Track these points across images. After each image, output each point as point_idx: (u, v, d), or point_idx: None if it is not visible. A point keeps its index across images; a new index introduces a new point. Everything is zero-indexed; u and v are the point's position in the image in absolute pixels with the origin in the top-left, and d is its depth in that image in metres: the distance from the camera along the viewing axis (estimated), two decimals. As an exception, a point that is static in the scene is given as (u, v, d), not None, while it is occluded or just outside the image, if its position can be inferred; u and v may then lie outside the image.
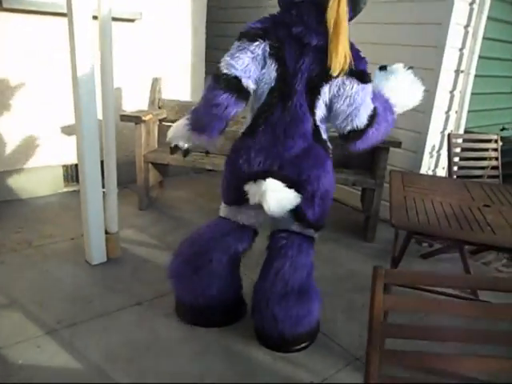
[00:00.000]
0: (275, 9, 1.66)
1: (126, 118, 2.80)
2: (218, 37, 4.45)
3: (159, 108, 3.06)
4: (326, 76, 1.54)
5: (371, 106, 1.60)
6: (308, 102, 1.59)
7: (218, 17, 4.41)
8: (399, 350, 1.00)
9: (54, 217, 2.84)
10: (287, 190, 1.56)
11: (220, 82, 1.52)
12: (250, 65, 1.53)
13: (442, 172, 3.15)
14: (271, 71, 1.57)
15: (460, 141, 2.68)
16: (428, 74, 2.77)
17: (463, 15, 2.72)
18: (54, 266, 2.27)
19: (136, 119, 2.78)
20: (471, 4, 2.73)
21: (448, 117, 2.97)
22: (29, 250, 2.41)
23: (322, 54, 1.53)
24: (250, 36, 1.54)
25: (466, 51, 2.84)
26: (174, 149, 1.87)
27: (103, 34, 2.07)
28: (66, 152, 3.18)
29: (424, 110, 2.84)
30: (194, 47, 3.62)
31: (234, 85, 1.51)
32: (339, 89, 1.55)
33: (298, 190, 1.58)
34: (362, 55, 1.63)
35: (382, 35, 2.98)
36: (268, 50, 1.55)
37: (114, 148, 2.26)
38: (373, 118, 1.60)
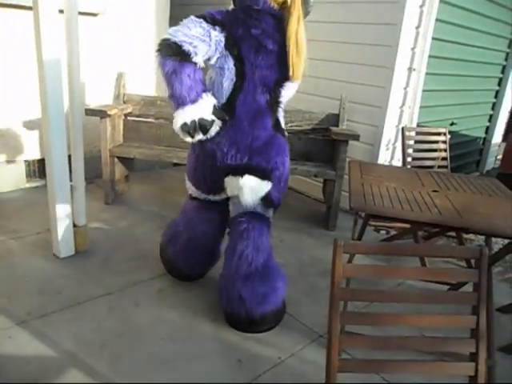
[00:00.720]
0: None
1: (90, 112, 2.80)
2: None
3: (124, 103, 3.08)
4: (284, 78, 1.74)
5: None
6: (268, 97, 1.75)
7: (182, 13, 4.45)
8: (357, 312, 1.12)
9: (17, 212, 2.80)
10: (261, 181, 1.72)
11: (161, 50, 1.63)
12: (196, 39, 1.60)
13: (397, 163, 3.34)
14: (230, 66, 1.68)
15: (413, 134, 2.87)
16: (383, 72, 2.96)
17: (415, 17, 2.91)
18: (21, 261, 2.26)
19: (101, 113, 2.79)
20: (421, 6, 2.92)
21: (402, 112, 3.16)
22: (-8, 246, 2.39)
23: (279, 58, 1.70)
24: (209, 20, 1.63)
25: (417, 50, 3.04)
26: (191, 132, 1.71)
27: (69, 28, 2.08)
28: (28, 147, 3.14)
29: (380, 105, 3.02)
30: (157, 42, 3.64)
31: (173, 49, 1.60)
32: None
33: (268, 177, 1.74)
34: None
35: (342, 34, 3.14)
36: (224, 41, 1.64)
37: (81, 142, 2.27)
38: None
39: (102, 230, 2.67)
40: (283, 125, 1.91)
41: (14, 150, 3.11)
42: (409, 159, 2.80)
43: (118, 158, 2.99)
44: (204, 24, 1.61)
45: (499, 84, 4.77)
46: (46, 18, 1.93)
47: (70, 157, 2.28)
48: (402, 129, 2.72)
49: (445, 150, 2.79)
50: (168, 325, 1.91)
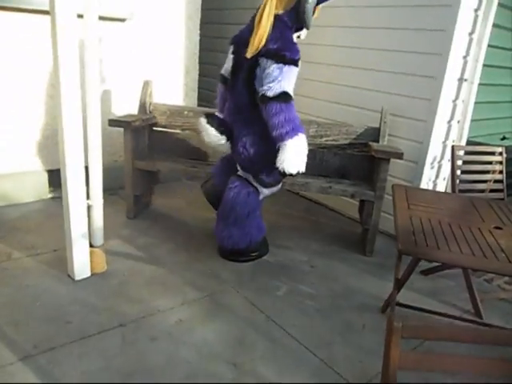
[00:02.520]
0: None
1: (114, 122, 2.66)
2: (213, 38, 4.33)
3: (150, 112, 2.93)
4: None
5: (281, 89, 2.03)
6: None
7: (213, 18, 4.29)
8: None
9: (37, 226, 2.69)
10: None
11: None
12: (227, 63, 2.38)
13: (442, 183, 3.05)
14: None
15: (462, 153, 2.57)
16: (430, 83, 2.68)
17: (468, 22, 2.61)
18: (34, 281, 2.13)
19: (124, 124, 2.64)
20: (476, 10, 2.63)
21: (450, 127, 2.87)
22: (8, 263, 2.27)
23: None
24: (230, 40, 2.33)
25: (469, 59, 2.74)
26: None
27: (89, 34, 1.93)
28: (51, 156, 3.04)
29: (426, 119, 2.74)
30: (187, 49, 3.49)
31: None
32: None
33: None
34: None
35: (385, 41, 2.88)
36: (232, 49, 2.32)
37: (99, 155, 2.13)
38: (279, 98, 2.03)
39: (121, 248, 2.52)
40: None
41: (37, 158, 3.02)
42: (457, 181, 2.50)
43: (142, 170, 2.84)
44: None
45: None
46: (64, 23, 1.78)
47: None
48: (452, 147, 2.42)
49: (500, 172, 2.47)
50: (183, 365, 1.72)
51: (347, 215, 3.33)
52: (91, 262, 2.19)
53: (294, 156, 2.03)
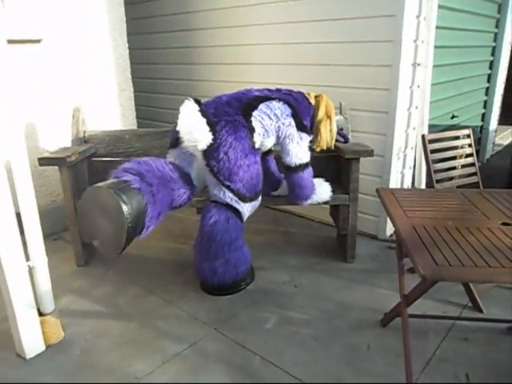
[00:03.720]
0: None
1: (45, 161, 2.28)
2: (144, 50, 3.98)
3: (86, 142, 2.56)
4: None
5: None
6: None
7: (139, 26, 3.95)
8: None
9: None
10: None
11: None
12: None
13: (409, 172, 2.94)
14: None
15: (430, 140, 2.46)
16: (386, 72, 2.55)
17: (414, 5, 2.50)
18: (-27, 372, 1.73)
19: (58, 161, 2.27)
20: (420, -8, 2.52)
21: (410, 114, 2.76)
22: None
23: None
24: None
25: (419, 42, 2.64)
26: None
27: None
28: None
29: (387, 109, 2.60)
30: (116, 65, 3.13)
31: None
32: None
33: None
34: None
35: (334, 33, 2.71)
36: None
37: (34, 204, 1.75)
38: None
39: (77, 306, 2.15)
40: None
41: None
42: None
43: (87, 209, 2.47)
44: None
45: (490, 67, 4.46)
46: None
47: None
48: (423, 137, 2.30)
49: (471, 155, 2.39)
50: None
51: (317, 220, 3.15)
52: (43, 332, 1.82)
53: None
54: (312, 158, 2.62)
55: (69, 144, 2.55)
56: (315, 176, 2.38)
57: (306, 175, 2.24)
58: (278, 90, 2.21)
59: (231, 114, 2.00)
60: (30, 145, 2.77)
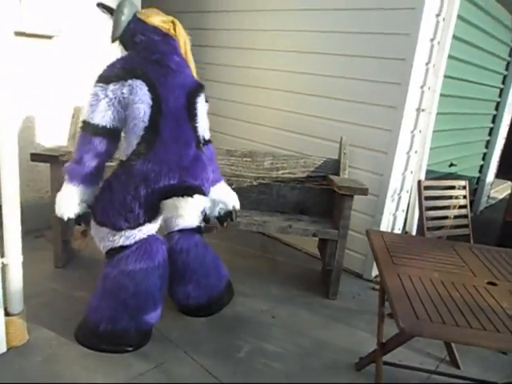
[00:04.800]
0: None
1: (38, 157, 2.24)
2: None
3: (82, 143, 2.53)
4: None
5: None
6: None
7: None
8: None
9: None
10: (204, 198, 1.74)
11: None
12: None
13: (401, 215, 2.93)
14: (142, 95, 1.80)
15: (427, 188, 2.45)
16: (391, 113, 2.56)
17: (425, 52, 2.53)
18: None
19: (51, 159, 2.23)
20: (432, 40, 2.56)
21: (409, 157, 2.76)
22: None
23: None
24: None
25: (426, 89, 2.66)
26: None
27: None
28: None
29: (387, 150, 2.60)
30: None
31: None
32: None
33: (204, 193, 1.75)
34: None
35: (342, 68, 2.73)
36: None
37: (16, 200, 1.71)
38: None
39: (48, 309, 2.08)
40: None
41: None
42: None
43: (73, 211, 2.42)
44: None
45: (493, 121, 4.52)
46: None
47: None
48: (419, 183, 2.29)
49: (464, 206, 2.38)
50: None
51: (304, 250, 3.11)
52: (7, 333, 1.75)
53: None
54: (304, 189, 2.63)
55: (65, 143, 2.52)
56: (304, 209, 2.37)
57: None
58: None
59: None
60: (26, 138, 2.74)
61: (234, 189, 2.60)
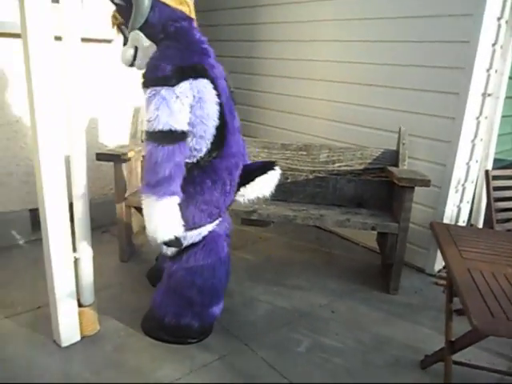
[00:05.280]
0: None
1: (102, 156, 2.36)
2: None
3: (142, 142, 2.63)
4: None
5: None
6: None
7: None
8: None
9: (18, 276, 2.36)
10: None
11: None
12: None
13: (466, 206, 2.78)
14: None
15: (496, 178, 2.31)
16: (453, 99, 2.43)
17: (492, 32, 2.37)
18: (14, 352, 1.80)
19: (115, 158, 2.34)
20: (499, 19, 2.39)
21: (474, 146, 2.61)
22: (-18, 328, 1.94)
23: None
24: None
25: (492, 72, 2.50)
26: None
27: (70, 58, 1.64)
28: (33, 194, 2.71)
29: (449, 139, 2.48)
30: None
31: None
32: None
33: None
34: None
35: (400, 55, 2.62)
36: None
37: (86, 201, 1.81)
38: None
39: (115, 301, 2.19)
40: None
41: (17, 197, 2.70)
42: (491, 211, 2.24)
43: (136, 208, 2.53)
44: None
45: None
46: (37, 47, 1.50)
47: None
48: (486, 173, 2.16)
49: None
50: None
51: (362, 244, 3.05)
52: (80, 323, 1.87)
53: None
54: (362, 181, 2.56)
55: (126, 142, 2.63)
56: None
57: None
58: None
59: None
60: (90, 139, 2.88)
61: (289, 183, 2.62)
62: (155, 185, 1.50)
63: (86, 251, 1.84)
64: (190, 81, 1.50)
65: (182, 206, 1.61)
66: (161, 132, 1.47)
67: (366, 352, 1.95)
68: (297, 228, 3.16)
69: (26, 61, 1.54)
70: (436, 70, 2.47)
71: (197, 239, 1.78)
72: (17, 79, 2.53)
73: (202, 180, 1.67)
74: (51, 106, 1.57)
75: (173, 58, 1.52)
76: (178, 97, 1.48)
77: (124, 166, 2.41)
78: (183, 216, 1.61)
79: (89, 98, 2.78)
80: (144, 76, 1.53)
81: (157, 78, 1.49)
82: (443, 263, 2.68)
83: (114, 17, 1.63)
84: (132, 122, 2.60)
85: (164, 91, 1.46)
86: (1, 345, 1.83)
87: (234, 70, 3.74)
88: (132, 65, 1.65)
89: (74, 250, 1.81)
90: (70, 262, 1.76)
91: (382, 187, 2.55)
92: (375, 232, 2.71)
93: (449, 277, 1.56)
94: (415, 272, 2.71)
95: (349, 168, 2.60)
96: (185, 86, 1.49)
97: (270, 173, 1.82)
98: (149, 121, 1.47)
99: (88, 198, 1.82)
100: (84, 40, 1.72)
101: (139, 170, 2.61)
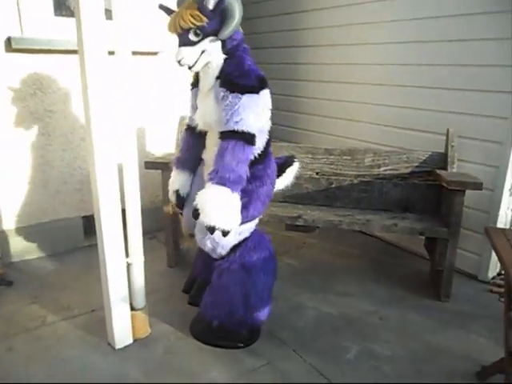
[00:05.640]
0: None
1: (150, 164, 2.44)
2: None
3: (188, 150, 2.69)
4: None
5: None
6: None
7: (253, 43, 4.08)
8: None
9: (72, 280, 2.48)
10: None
11: None
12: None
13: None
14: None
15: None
16: (505, 99, 2.33)
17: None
18: (70, 353, 1.88)
19: (162, 166, 2.41)
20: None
21: (529, 146, 2.49)
22: (43, 330, 2.04)
23: None
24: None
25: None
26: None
27: (122, 71, 1.72)
28: (85, 202, 2.85)
29: (502, 140, 2.38)
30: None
31: None
32: None
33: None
34: None
35: (451, 55, 2.55)
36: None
37: (138, 208, 1.88)
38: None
39: (164, 305, 2.25)
40: None
41: (71, 204, 2.83)
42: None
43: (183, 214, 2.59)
44: None
45: None
46: (93, 62, 1.58)
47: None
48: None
49: None
50: None
51: (409, 250, 2.97)
52: (133, 326, 1.94)
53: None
54: (409, 185, 2.51)
55: (173, 150, 2.71)
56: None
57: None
58: None
59: None
60: (138, 148, 2.97)
61: (333, 188, 2.60)
62: (233, 181, 1.63)
63: (137, 257, 1.91)
64: (266, 90, 1.70)
65: (246, 199, 1.74)
66: (248, 134, 1.64)
67: (417, 361, 1.89)
68: (341, 233, 3.13)
69: (82, 75, 1.62)
70: (488, 69, 2.38)
71: (248, 234, 1.86)
72: (71, 92, 2.67)
73: (262, 174, 1.80)
74: (105, 117, 1.65)
75: (254, 69, 1.70)
76: (260, 103, 1.67)
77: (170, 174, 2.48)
78: (245, 209, 1.74)
79: (136, 108, 2.90)
80: (233, 82, 1.65)
81: (246, 85, 1.64)
82: (497, 270, 2.57)
83: (198, 16, 1.59)
84: (177, 130, 2.67)
85: (252, 97, 1.64)
86: (59, 346, 1.93)
87: (277, 77, 3.77)
88: (191, 67, 1.72)
89: (127, 255, 1.88)
90: (123, 267, 1.84)
91: (430, 191, 2.49)
92: (423, 237, 2.63)
93: (507, 284, 1.50)
94: (466, 278, 2.61)
95: (395, 172, 2.55)
96: (264, 94, 1.69)
97: (295, 164, 2.10)
98: (236, 122, 1.62)
99: (139, 204, 1.89)
100: (133, 53, 1.79)
101: (185, 177, 2.67)
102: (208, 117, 1.74)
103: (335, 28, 3.23)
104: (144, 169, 2.46)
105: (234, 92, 1.63)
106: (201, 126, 1.83)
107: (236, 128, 1.63)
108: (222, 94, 1.65)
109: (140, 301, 1.96)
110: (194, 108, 1.87)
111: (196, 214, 1.66)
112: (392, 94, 2.90)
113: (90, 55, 1.57)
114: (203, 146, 1.90)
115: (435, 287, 2.42)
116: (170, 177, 2.47)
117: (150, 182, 3.08)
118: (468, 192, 2.20)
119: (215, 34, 1.63)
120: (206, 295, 1.97)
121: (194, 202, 1.66)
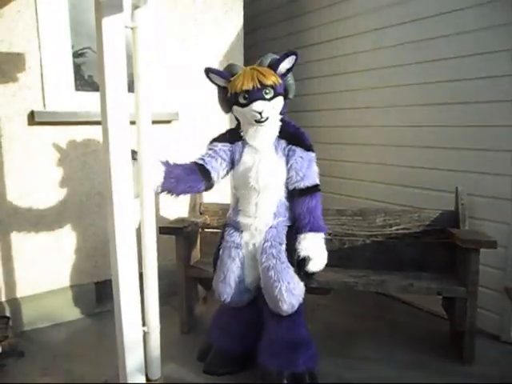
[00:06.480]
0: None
1: (165, 230, 2.47)
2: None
3: (201, 214, 2.74)
4: None
5: None
6: None
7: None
8: None
9: (85, 349, 2.43)
10: None
11: None
12: None
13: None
14: None
15: None
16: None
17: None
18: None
19: (176, 231, 2.44)
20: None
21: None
22: (54, 404, 1.98)
23: None
24: None
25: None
26: None
27: (141, 139, 1.79)
28: (98, 268, 2.85)
29: (511, 197, 2.41)
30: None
31: None
32: None
33: None
34: None
35: (458, 116, 2.66)
36: None
37: (156, 273, 1.89)
38: None
39: (180, 374, 2.18)
40: None
41: (83, 271, 2.83)
42: None
43: (196, 277, 2.59)
44: None
45: None
46: (116, 132, 1.64)
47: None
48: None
49: None
50: None
51: (426, 309, 2.91)
52: (148, 399, 1.87)
53: None
54: (421, 244, 2.51)
55: (185, 214, 2.75)
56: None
57: None
58: None
59: None
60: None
61: (346, 248, 2.60)
62: (324, 226, 1.97)
63: (154, 324, 1.88)
64: None
65: None
66: (318, 185, 1.98)
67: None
68: (355, 294, 3.08)
69: (104, 144, 1.67)
70: (494, 129, 2.47)
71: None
72: (87, 160, 2.76)
73: None
74: (127, 184, 1.70)
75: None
76: None
77: (184, 239, 2.50)
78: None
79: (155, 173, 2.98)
80: (301, 139, 1.99)
81: (310, 144, 2.00)
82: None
83: (275, 76, 1.89)
84: (191, 195, 2.73)
85: (314, 155, 2.00)
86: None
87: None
88: (260, 119, 1.90)
89: (143, 324, 1.85)
90: (139, 336, 1.80)
91: (443, 249, 2.49)
92: (440, 296, 2.59)
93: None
94: (488, 339, 2.53)
95: (407, 231, 2.57)
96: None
97: None
98: (313, 176, 1.97)
99: (157, 271, 1.90)
100: (153, 122, 1.88)
101: (198, 240, 2.70)
102: (271, 171, 1.94)
103: (347, 92, 3.36)
104: (159, 234, 2.49)
105: (305, 149, 1.95)
106: (253, 183, 1.94)
107: (316, 182, 1.96)
108: (291, 151, 1.94)
109: (156, 371, 1.91)
110: (229, 162, 2.08)
111: (303, 263, 1.90)
112: (400, 154, 2.98)
113: (113, 126, 1.63)
114: (199, 180, 2.06)
115: (457, 349, 2.35)
116: (183, 241, 2.50)
117: (161, 246, 3.08)
118: (482, 249, 2.20)
119: (281, 95, 1.93)
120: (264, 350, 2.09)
121: (304, 253, 1.89)
